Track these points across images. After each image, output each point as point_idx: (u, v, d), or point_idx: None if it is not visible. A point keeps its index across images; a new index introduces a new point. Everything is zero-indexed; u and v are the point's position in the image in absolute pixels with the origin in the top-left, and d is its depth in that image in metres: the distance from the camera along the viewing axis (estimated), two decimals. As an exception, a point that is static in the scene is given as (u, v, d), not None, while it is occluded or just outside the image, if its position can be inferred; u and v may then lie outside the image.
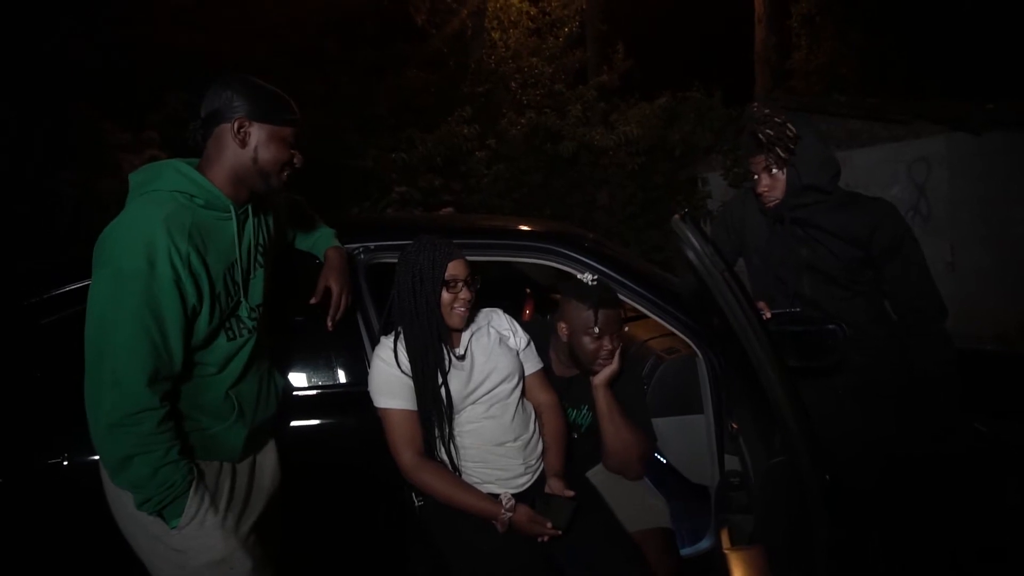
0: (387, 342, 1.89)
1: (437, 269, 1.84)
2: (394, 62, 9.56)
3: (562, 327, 2.10)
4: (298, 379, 1.98)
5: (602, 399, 2.07)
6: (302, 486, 1.87)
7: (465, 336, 1.95)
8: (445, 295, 1.85)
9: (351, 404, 1.95)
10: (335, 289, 1.89)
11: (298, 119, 1.62)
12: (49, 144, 6.38)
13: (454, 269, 1.85)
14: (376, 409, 1.87)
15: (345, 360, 2.02)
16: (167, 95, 7.62)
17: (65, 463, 1.72)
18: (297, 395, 1.95)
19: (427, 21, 10.11)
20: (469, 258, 1.92)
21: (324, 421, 1.98)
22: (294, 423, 1.91)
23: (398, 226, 2.46)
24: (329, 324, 1.89)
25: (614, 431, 2.07)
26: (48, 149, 6.36)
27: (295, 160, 1.62)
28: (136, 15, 7.50)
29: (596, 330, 2.01)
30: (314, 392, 1.99)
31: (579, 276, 2.13)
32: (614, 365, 2.06)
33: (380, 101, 9.34)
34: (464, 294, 1.86)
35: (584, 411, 2.20)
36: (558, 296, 2.19)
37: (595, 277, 2.11)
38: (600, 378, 2.07)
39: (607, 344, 2.04)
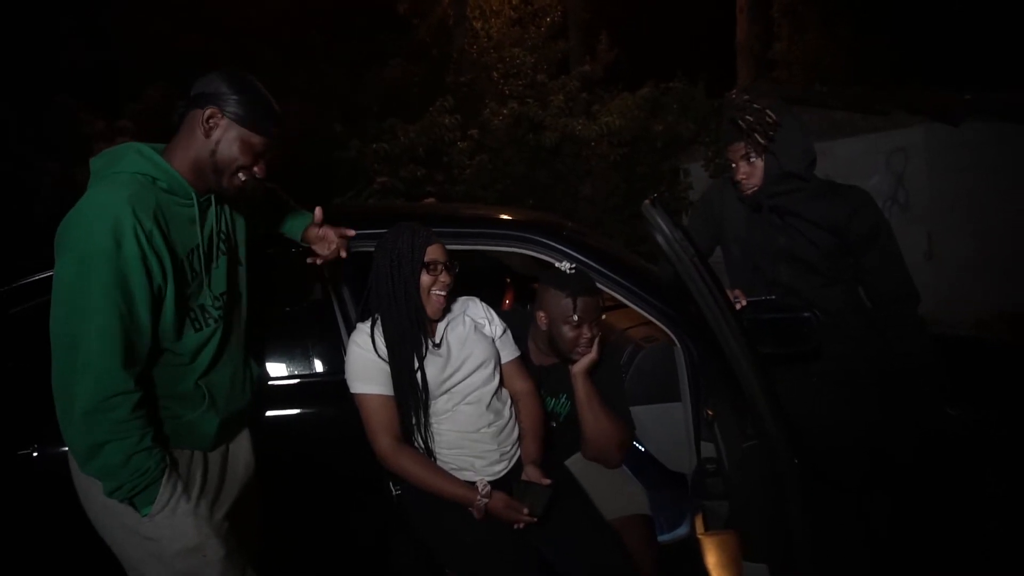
0: (364, 328, 1.88)
1: (416, 252, 1.84)
2: (378, 54, 9.50)
3: (541, 316, 2.10)
4: (274, 368, 1.97)
5: (581, 387, 2.08)
6: (280, 476, 1.86)
7: (441, 325, 1.95)
8: (425, 278, 1.85)
9: (328, 393, 1.94)
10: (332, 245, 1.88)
11: (274, 133, 1.58)
12: (28, 134, 6.30)
13: (433, 253, 1.86)
14: (352, 395, 1.87)
15: (322, 349, 2.01)
16: (148, 87, 7.54)
17: (35, 454, 1.71)
18: (273, 384, 1.94)
19: (409, 10, 10.03)
20: (448, 247, 1.91)
21: (302, 411, 1.97)
22: (270, 412, 1.90)
23: (376, 215, 2.45)
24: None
25: (593, 419, 2.08)
26: (27, 139, 6.28)
27: (256, 169, 1.58)
28: (127, 11, 7.42)
29: (575, 318, 2.01)
30: (291, 381, 1.98)
31: (557, 265, 2.13)
32: (593, 354, 2.07)
33: (365, 92, 9.28)
34: (444, 277, 1.87)
35: (563, 400, 2.21)
36: (537, 285, 2.19)
37: (573, 265, 2.11)
38: (579, 366, 2.07)
39: (586, 332, 2.04)
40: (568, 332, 2.04)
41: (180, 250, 1.53)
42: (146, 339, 1.46)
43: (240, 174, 1.57)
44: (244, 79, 1.56)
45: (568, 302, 2.02)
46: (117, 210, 1.40)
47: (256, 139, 1.55)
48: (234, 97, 1.52)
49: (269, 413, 1.90)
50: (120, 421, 1.41)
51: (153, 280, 1.45)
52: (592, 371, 2.09)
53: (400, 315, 1.84)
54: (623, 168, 8.76)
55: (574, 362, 2.08)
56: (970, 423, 2.31)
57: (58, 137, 6.54)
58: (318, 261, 1.89)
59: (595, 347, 2.07)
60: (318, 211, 1.89)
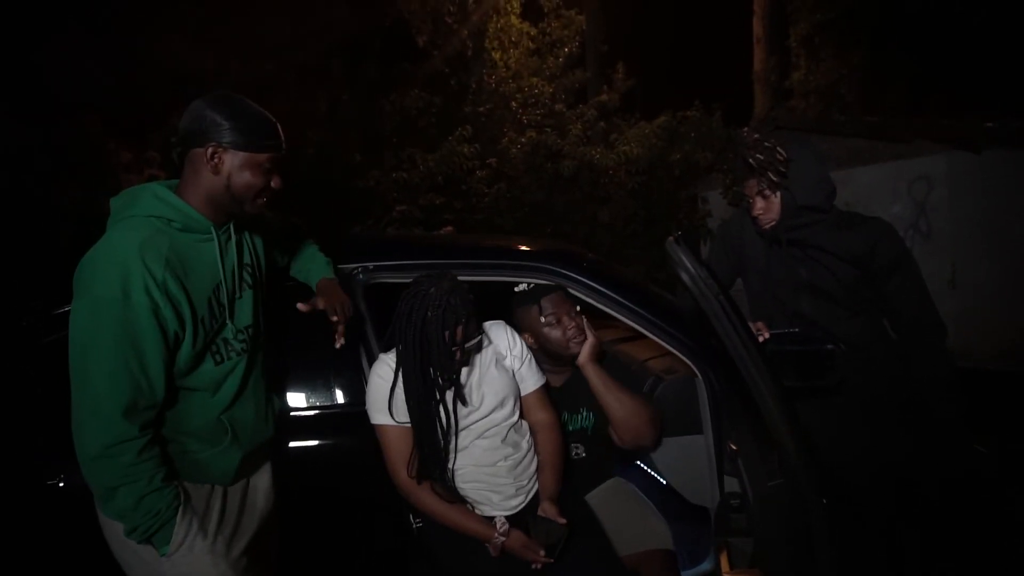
0: (385, 359, 1.88)
1: (449, 330, 1.75)
2: (397, 82, 9.61)
3: (527, 337, 2.14)
4: (295, 399, 1.98)
5: (593, 375, 2.09)
6: (300, 508, 1.86)
7: None
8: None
9: (348, 424, 1.94)
10: (335, 305, 1.85)
11: (277, 144, 1.57)
12: (51, 158, 6.38)
13: (461, 334, 1.77)
14: (373, 427, 1.86)
15: (343, 380, 2.02)
16: (170, 114, 7.64)
17: (61, 484, 1.72)
18: (294, 416, 1.94)
19: (428, 42, 10.16)
20: (468, 278, 1.90)
21: (322, 442, 1.97)
22: (292, 444, 1.90)
23: (397, 246, 2.46)
24: (338, 341, 1.85)
25: (616, 402, 2.08)
26: (50, 163, 6.36)
27: (273, 183, 1.58)
28: (143, 31, 7.51)
29: (549, 318, 2.09)
30: (312, 412, 1.99)
31: (516, 289, 2.19)
32: (590, 338, 2.10)
33: (383, 120, 9.39)
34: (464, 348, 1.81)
35: (584, 413, 2.21)
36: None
37: (530, 283, 2.16)
38: (583, 356, 2.10)
39: (569, 323, 2.09)
40: (552, 333, 2.10)
41: (201, 289, 1.52)
42: (158, 387, 1.46)
43: (260, 196, 1.58)
44: (229, 102, 1.52)
45: (534, 309, 2.10)
46: (127, 259, 1.40)
47: (263, 157, 1.54)
48: (228, 125, 1.49)
49: (290, 444, 1.90)
50: (127, 466, 1.42)
51: (167, 328, 1.45)
52: (599, 359, 2.12)
53: (421, 357, 1.78)
54: (641, 196, 8.77)
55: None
56: (1000, 459, 2.26)
57: (81, 158, 6.63)
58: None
59: (588, 332, 2.11)
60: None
